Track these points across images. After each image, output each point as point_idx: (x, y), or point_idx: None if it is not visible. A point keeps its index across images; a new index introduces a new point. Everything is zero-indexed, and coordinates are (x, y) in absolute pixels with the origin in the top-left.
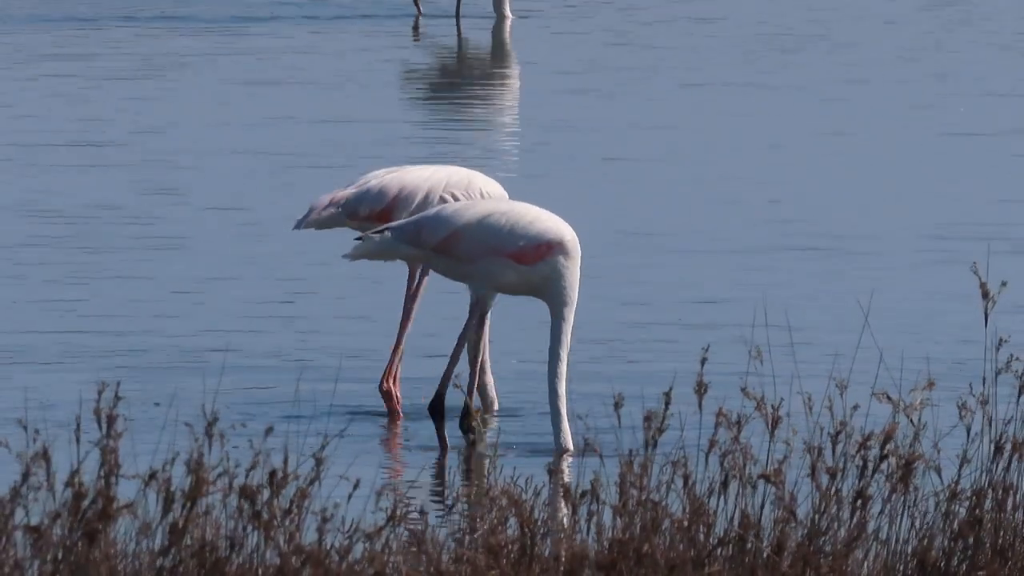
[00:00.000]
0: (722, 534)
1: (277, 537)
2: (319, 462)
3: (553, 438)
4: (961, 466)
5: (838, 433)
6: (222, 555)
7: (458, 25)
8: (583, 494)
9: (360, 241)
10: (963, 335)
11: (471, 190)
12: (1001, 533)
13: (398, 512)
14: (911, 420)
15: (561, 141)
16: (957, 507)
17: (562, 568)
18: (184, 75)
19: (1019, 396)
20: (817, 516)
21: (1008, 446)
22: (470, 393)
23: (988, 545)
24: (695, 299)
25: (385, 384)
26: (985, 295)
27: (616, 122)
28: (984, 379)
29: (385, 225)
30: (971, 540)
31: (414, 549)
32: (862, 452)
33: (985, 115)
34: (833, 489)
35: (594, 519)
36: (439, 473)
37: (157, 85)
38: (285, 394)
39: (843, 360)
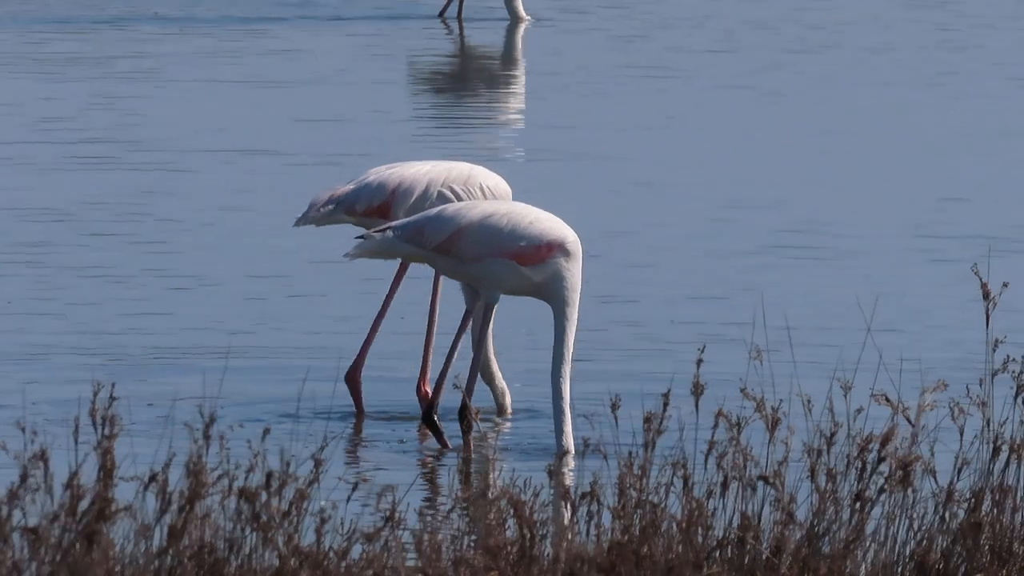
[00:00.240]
0: (721, 535)
1: (276, 538)
2: (318, 463)
3: (555, 439)
4: (960, 468)
5: (833, 435)
6: (220, 556)
7: (460, 27)
8: (582, 496)
9: (362, 240)
10: (962, 336)
11: (471, 185)
12: (999, 535)
13: (397, 513)
14: (909, 422)
15: (564, 142)
16: (956, 509)
17: (561, 570)
18: (186, 74)
19: (1016, 397)
20: (816, 518)
21: (1005, 448)
22: (469, 393)
23: (987, 547)
24: (695, 300)
25: (424, 388)
26: (986, 296)
27: (619, 123)
28: (982, 381)
29: (387, 224)
30: (970, 542)
31: (413, 550)
32: (862, 454)
33: (985, 116)
34: (832, 491)
35: (593, 520)
36: (438, 474)
37: (157, 84)
38: (284, 395)
39: (842, 361)
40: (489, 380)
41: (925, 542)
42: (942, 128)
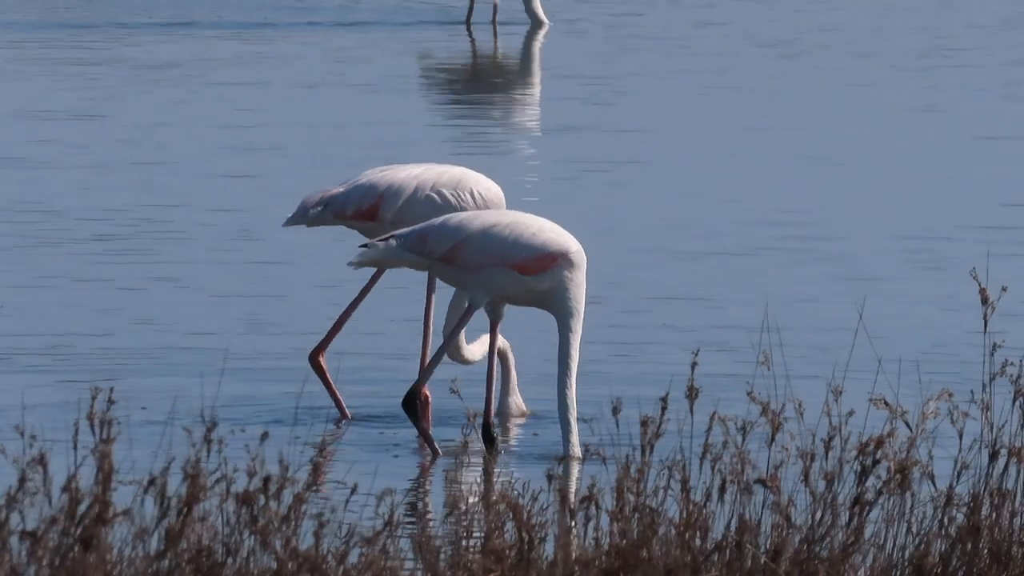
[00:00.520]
0: (719, 539)
1: (273, 542)
2: (316, 467)
3: (562, 446)
4: (959, 472)
5: (831, 439)
6: (218, 560)
7: (495, 32)
8: (582, 500)
9: (365, 248)
10: (961, 339)
11: (461, 189)
12: (998, 539)
13: (395, 517)
14: (908, 426)
15: (572, 145)
16: (954, 513)
17: (559, 574)
18: (200, 78)
19: (1014, 400)
20: (814, 522)
21: (1004, 452)
22: (487, 411)
23: (985, 551)
24: (694, 300)
25: (424, 392)
26: (984, 301)
27: (617, 124)
28: (983, 384)
29: (391, 233)
30: (968, 546)
31: (411, 554)
32: (860, 458)
33: (984, 117)
34: (830, 495)
35: (591, 524)
36: (438, 478)
37: (166, 88)
38: (283, 398)
39: (840, 364)
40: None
41: (923, 546)
42: (941, 129)
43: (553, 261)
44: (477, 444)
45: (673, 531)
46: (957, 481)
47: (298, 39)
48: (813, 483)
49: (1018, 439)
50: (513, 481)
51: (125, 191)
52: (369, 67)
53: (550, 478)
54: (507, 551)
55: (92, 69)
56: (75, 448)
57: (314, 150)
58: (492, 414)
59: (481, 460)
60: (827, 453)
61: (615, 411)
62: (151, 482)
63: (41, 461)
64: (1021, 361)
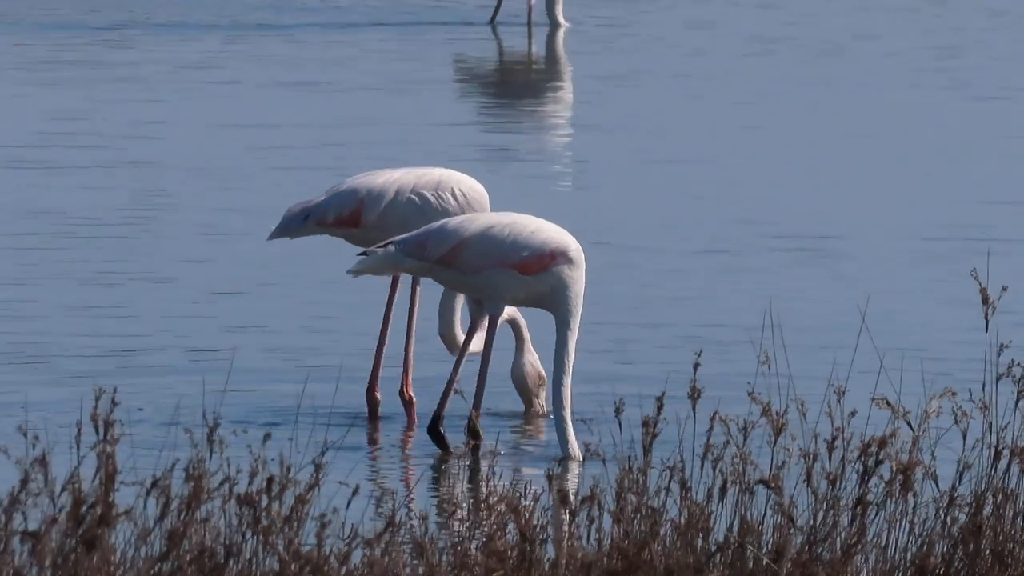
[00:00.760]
0: (721, 540)
1: (276, 543)
2: (318, 468)
3: (559, 445)
4: (961, 472)
5: (834, 439)
6: (220, 561)
7: (529, 32)
8: (582, 500)
9: (364, 256)
10: (963, 338)
11: (441, 190)
12: (1000, 539)
13: (397, 518)
14: (910, 426)
15: (572, 145)
16: (957, 513)
17: (561, 575)
18: (226, 78)
19: (1017, 401)
20: (816, 522)
21: (1007, 452)
22: (477, 405)
23: (988, 551)
24: (695, 300)
25: (407, 392)
26: (985, 300)
27: (622, 125)
28: (983, 384)
29: (390, 239)
30: (971, 547)
31: (414, 555)
32: (863, 459)
33: (984, 117)
34: (832, 495)
35: (594, 525)
36: (439, 479)
37: (180, 87)
38: (285, 399)
39: (841, 364)
40: (529, 403)
41: (926, 546)
42: (942, 130)
43: (552, 259)
44: (478, 445)
45: (675, 532)
46: (960, 481)
47: (297, 39)
48: (815, 483)
49: (1022, 439)
50: (515, 482)
51: (125, 191)
52: (392, 67)
53: (550, 478)
54: (509, 552)
55: (92, 69)
56: (78, 448)
57: (333, 153)
58: (480, 408)
59: (483, 461)
60: (830, 453)
61: (617, 412)
62: (154, 483)
63: (43, 462)
64: None
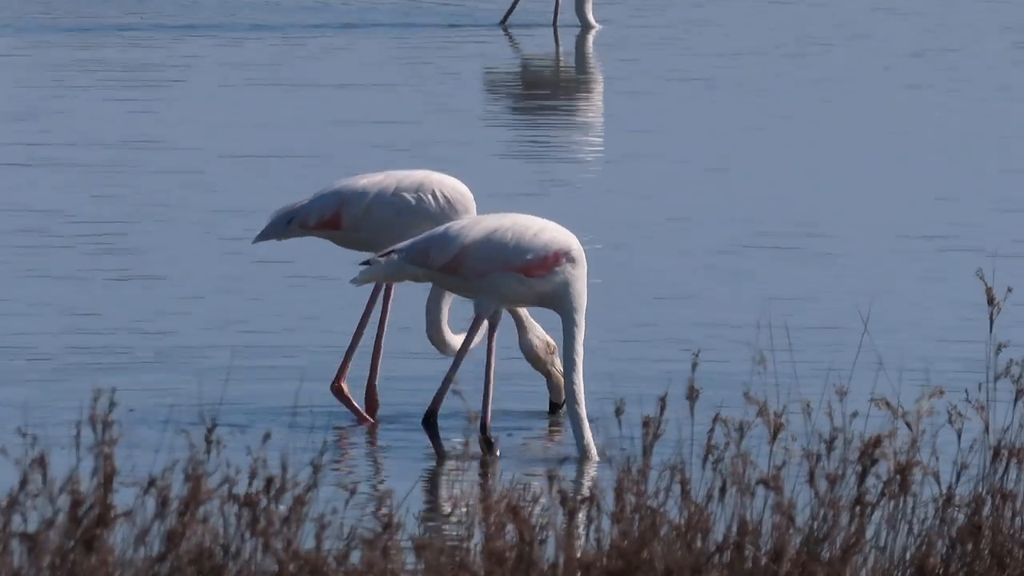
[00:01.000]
0: (720, 540)
1: (275, 544)
2: (317, 468)
3: (575, 444)
4: (960, 472)
5: (833, 440)
6: (219, 562)
7: (555, 34)
8: (582, 501)
9: (367, 266)
10: (962, 339)
11: (424, 191)
12: (999, 539)
13: (396, 518)
14: (909, 426)
15: (571, 144)
16: (956, 513)
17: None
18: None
19: (1015, 401)
20: (815, 523)
21: (1005, 452)
22: (486, 407)
23: (986, 551)
24: (695, 300)
25: (338, 383)
26: (990, 302)
27: (622, 125)
28: (982, 385)
29: (392, 247)
30: (969, 547)
31: (412, 555)
32: (861, 458)
33: (984, 118)
34: (831, 496)
35: (593, 525)
36: (438, 479)
37: (189, 88)
38: (284, 400)
39: (840, 364)
40: (547, 374)
41: (925, 547)
42: (942, 129)
43: (556, 260)
44: (477, 445)
45: (673, 532)
46: (958, 482)
47: (298, 39)
48: (817, 484)
49: (1020, 439)
50: (514, 482)
51: (124, 191)
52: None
53: (550, 478)
54: (508, 552)
55: (91, 69)
56: (77, 449)
57: (333, 153)
58: (489, 417)
59: (483, 462)
60: (829, 454)
61: (618, 412)
62: (152, 483)
63: (42, 463)
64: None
